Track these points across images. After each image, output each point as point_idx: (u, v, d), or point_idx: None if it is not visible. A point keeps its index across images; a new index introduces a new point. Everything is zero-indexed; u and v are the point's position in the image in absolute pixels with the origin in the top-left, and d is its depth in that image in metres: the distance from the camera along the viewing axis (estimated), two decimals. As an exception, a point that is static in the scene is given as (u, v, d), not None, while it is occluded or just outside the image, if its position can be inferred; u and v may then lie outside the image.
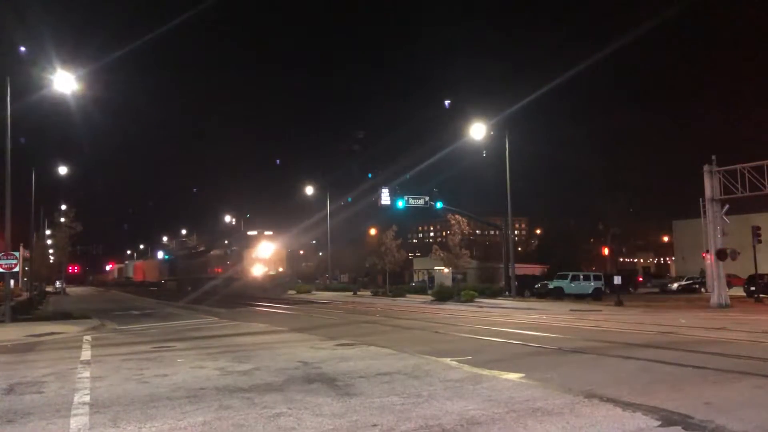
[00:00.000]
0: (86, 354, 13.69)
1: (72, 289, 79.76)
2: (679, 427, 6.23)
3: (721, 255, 30.41)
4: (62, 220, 57.62)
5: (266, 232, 54.74)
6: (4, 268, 23.07)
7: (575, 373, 9.89)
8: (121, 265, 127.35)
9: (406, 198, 41.05)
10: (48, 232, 63.45)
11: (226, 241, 60.76)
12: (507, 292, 39.78)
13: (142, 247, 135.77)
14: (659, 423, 6.38)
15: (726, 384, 8.78)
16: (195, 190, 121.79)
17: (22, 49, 28.16)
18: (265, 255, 52.40)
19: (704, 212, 31.40)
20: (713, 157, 30.64)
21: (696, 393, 7.98)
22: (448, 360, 11.16)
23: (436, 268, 52.38)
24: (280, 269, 53.76)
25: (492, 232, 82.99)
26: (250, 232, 55.75)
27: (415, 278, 61.45)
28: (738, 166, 29.37)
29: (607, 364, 10.96)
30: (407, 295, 45.44)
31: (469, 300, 35.34)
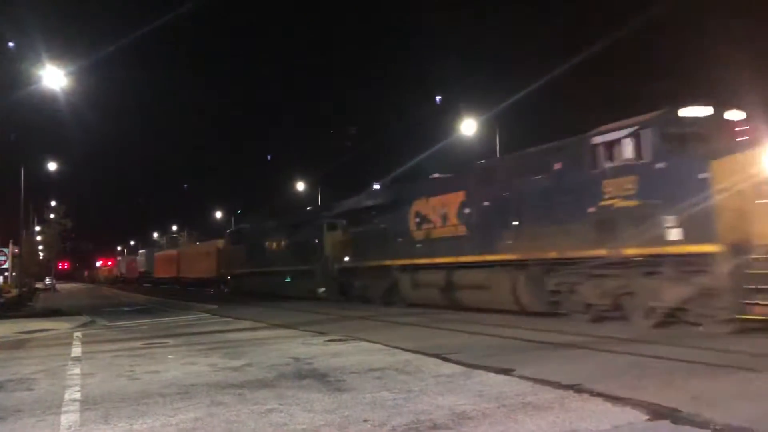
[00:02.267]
0: (77, 350, 13.65)
1: (61, 286, 79.28)
2: (668, 421, 6.29)
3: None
4: (52, 216, 57.47)
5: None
6: (-7, 265, 22.95)
7: (565, 368, 9.94)
8: (132, 258, 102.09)
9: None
10: (38, 228, 63.16)
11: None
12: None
13: (132, 243, 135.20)
14: (648, 417, 6.44)
15: (714, 378, 8.85)
16: (186, 186, 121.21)
17: (11, 44, 27.95)
18: None
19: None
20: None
21: (685, 387, 8.05)
22: (439, 355, 11.19)
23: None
24: None
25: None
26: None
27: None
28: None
29: (596, 359, 11.02)
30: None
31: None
